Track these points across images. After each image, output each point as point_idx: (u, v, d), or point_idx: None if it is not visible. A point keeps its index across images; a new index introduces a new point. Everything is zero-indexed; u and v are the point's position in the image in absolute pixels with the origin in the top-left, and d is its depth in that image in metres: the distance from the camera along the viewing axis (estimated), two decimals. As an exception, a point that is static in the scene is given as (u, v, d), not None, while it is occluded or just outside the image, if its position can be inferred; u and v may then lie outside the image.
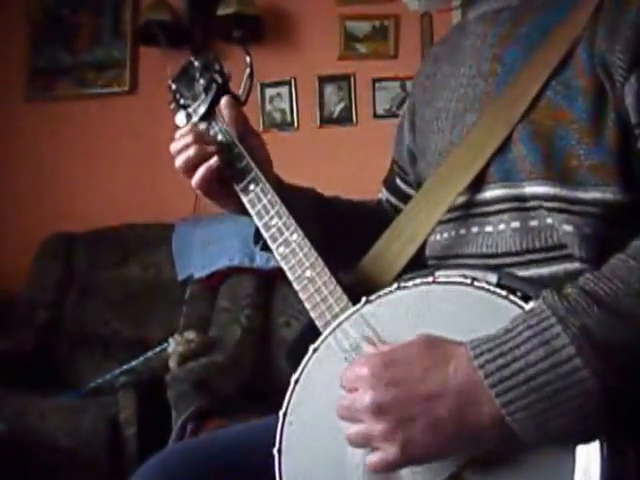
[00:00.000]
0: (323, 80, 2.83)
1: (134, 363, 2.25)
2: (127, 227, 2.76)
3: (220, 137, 0.90)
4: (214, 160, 0.86)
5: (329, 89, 2.83)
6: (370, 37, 2.80)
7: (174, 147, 0.89)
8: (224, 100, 0.91)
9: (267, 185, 0.86)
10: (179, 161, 0.88)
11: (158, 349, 2.23)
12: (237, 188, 0.87)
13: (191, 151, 0.87)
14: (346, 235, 0.97)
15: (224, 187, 0.88)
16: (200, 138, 0.88)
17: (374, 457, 0.65)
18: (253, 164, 0.87)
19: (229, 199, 0.90)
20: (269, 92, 2.85)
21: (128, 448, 1.97)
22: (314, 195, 1.01)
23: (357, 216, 1.03)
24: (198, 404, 1.92)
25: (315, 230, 0.86)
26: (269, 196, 0.85)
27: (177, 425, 1.88)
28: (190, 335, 2.14)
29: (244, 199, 0.87)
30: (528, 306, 0.65)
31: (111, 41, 2.96)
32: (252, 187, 0.86)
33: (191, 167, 0.87)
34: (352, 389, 0.67)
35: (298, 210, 0.85)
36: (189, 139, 0.88)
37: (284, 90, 2.86)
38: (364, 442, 0.67)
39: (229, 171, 0.88)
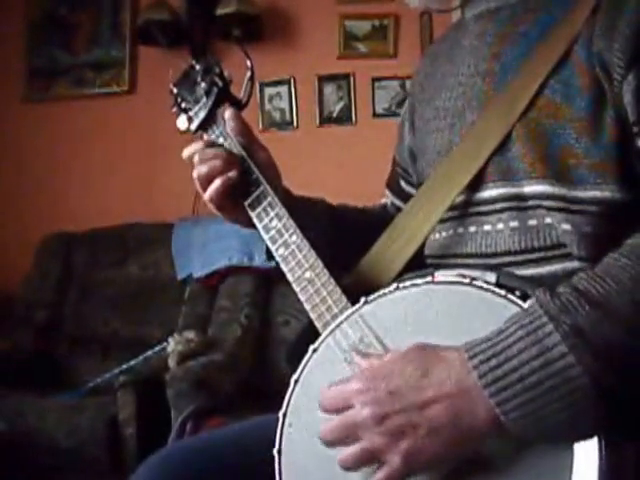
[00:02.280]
0: (322, 79, 2.83)
1: (133, 362, 2.25)
2: (126, 227, 2.76)
3: (221, 140, 0.90)
4: (232, 173, 0.85)
5: (328, 88, 2.83)
6: (369, 36, 2.80)
7: (198, 161, 0.87)
8: (228, 112, 0.90)
9: (268, 187, 0.86)
10: (201, 170, 0.87)
11: (157, 348, 2.23)
12: (237, 191, 0.87)
13: (208, 166, 0.86)
14: (355, 244, 0.96)
15: (231, 199, 0.88)
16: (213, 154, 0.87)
17: (380, 473, 0.65)
18: (253, 165, 0.87)
19: (235, 210, 0.89)
20: (268, 91, 2.85)
21: (127, 447, 1.97)
22: (324, 206, 1.00)
23: (365, 224, 1.01)
24: (197, 403, 1.92)
25: (325, 240, 0.87)
26: (269, 198, 0.85)
27: (176, 424, 1.88)
28: (189, 334, 2.14)
29: (245, 202, 0.87)
30: (527, 305, 0.65)
31: (110, 41, 2.95)
32: (252, 189, 0.86)
33: (209, 180, 0.86)
34: (345, 407, 0.67)
35: (308, 221, 0.85)
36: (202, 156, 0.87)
37: (283, 89, 2.86)
38: (367, 459, 0.66)
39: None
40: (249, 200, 0.87)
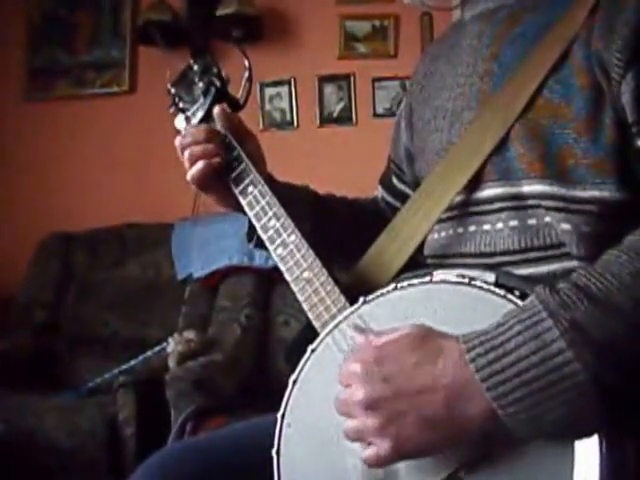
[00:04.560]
0: (323, 80, 2.83)
1: (133, 363, 2.25)
2: (126, 227, 2.76)
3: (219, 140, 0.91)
4: (216, 159, 0.88)
5: (329, 89, 2.84)
6: (370, 37, 2.81)
7: (179, 142, 0.90)
8: (216, 110, 0.91)
9: (265, 187, 0.86)
10: (186, 154, 0.89)
11: (157, 349, 2.23)
12: (236, 190, 0.88)
13: (195, 148, 0.88)
14: (340, 232, 0.97)
15: (221, 184, 0.89)
16: (207, 137, 0.89)
17: (368, 452, 0.66)
18: (252, 166, 0.88)
19: (227, 196, 0.91)
20: (269, 92, 2.85)
21: (127, 448, 1.97)
22: (308, 192, 1.01)
23: (352, 213, 1.04)
24: (197, 403, 1.92)
25: (308, 227, 0.87)
26: (267, 198, 0.86)
27: (176, 424, 1.88)
28: (189, 334, 2.14)
29: (243, 201, 0.87)
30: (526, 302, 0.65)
31: (110, 41, 2.95)
32: (251, 189, 0.87)
33: (193, 161, 0.88)
34: (347, 385, 0.68)
35: (291, 207, 0.85)
36: (195, 137, 0.89)
37: (284, 90, 2.86)
38: (358, 437, 0.67)
39: (228, 173, 0.89)
40: (248, 199, 0.87)
